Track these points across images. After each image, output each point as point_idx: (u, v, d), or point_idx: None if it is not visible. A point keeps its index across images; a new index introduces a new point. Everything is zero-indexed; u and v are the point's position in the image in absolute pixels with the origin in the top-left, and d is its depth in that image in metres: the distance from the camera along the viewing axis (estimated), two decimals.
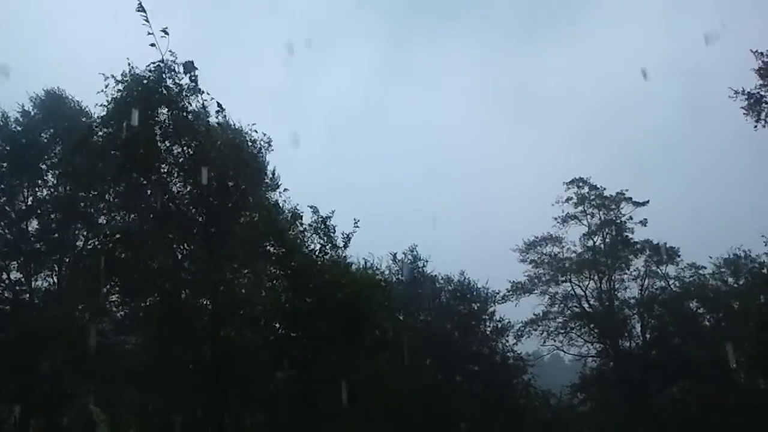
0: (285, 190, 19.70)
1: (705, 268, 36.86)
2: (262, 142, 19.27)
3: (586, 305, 39.29)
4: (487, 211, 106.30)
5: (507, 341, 35.13)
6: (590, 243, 39.59)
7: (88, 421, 24.81)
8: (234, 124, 18.55)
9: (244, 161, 17.80)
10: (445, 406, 28.92)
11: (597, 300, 39.30)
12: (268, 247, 18.33)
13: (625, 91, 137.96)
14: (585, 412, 37.19)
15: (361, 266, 21.86)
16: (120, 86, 16.31)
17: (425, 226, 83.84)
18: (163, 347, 16.95)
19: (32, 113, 26.86)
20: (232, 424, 17.49)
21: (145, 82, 16.24)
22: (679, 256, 37.67)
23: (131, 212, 17.77)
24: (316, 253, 19.19)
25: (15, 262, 26.07)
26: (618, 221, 39.16)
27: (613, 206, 39.34)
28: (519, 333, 37.22)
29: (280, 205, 18.97)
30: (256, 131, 18.64)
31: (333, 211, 19.73)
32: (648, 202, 38.89)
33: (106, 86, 16.25)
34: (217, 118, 17.24)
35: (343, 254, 20.05)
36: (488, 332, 34.49)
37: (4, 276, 25.92)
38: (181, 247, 17.87)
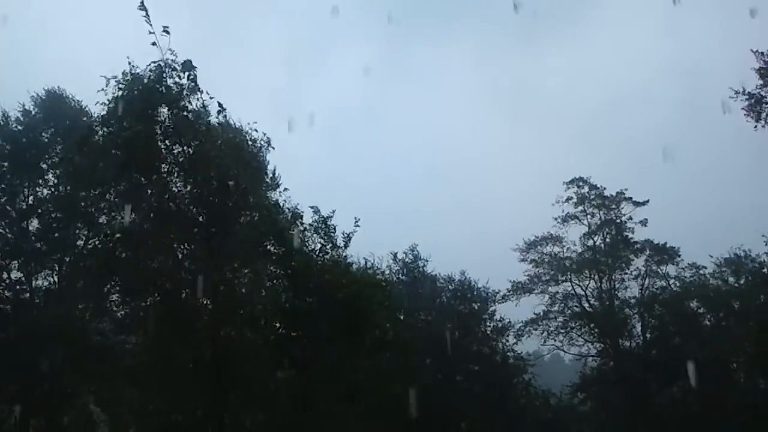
0: (285, 189, 19.73)
1: (705, 267, 36.85)
2: (262, 142, 19.28)
3: (586, 305, 39.26)
4: (487, 211, 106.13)
5: (507, 341, 35.20)
6: (590, 243, 39.57)
7: (88, 420, 24.83)
8: (234, 124, 18.59)
9: (245, 161, 17.78)
10: (445, 405, 28.90)
11: (597, 300, 39.27)
12: (269, 247, 18.33)
13: (625, 91, 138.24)
14: (585, 412, 37.15)
15: (361, 266, 21.80)
16: (120, 86, 16.28)
17: (425, 226, 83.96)
18: (163, 347, 16.93)
19: (33, 113, 26.93)
20: (232, 424, 17.47)
21: (145, 81, 16.20)
22: (679, 255, 37.71)
23: (132, 212, 17.74)
24: (317, 253, 19.21)
25: (15, 262, 26.14)
26: (618, 221, 39.12)
27: (613, 206, 39.30)
28: (519, 333, 37.19)
29: (281, 204, 18.97)
30: (256, 131, 18.67)
31: (333, 211, 19.81)
32: (648, 201, 38.92)
33: (107, 86, 16.25)
34: (217, 117, 17.27)
35: (344, 254, 20.12)
36: (488, 332, 34.51)
37: (5, 275, 25.94)
38: (182, 247, 17.84)
